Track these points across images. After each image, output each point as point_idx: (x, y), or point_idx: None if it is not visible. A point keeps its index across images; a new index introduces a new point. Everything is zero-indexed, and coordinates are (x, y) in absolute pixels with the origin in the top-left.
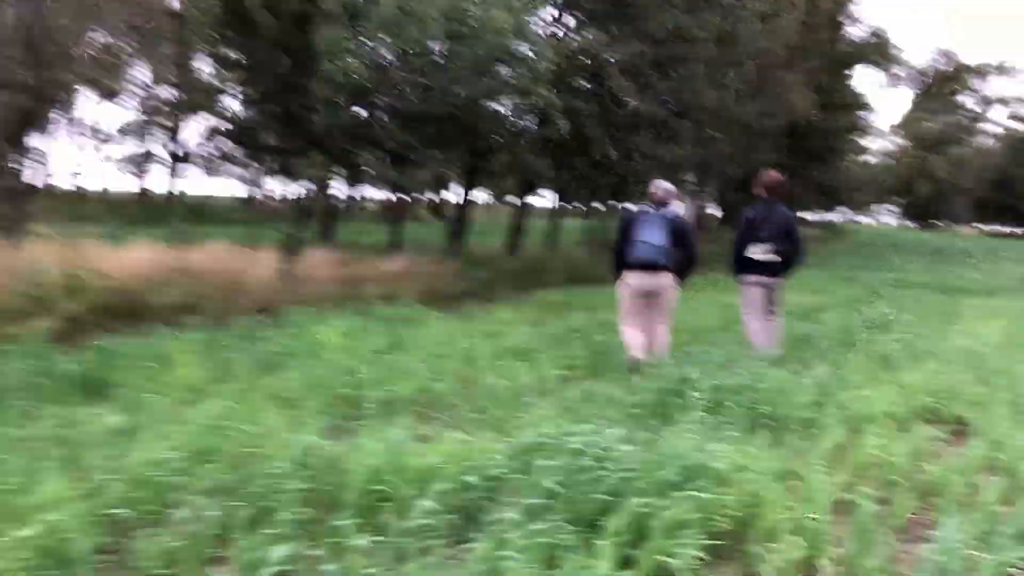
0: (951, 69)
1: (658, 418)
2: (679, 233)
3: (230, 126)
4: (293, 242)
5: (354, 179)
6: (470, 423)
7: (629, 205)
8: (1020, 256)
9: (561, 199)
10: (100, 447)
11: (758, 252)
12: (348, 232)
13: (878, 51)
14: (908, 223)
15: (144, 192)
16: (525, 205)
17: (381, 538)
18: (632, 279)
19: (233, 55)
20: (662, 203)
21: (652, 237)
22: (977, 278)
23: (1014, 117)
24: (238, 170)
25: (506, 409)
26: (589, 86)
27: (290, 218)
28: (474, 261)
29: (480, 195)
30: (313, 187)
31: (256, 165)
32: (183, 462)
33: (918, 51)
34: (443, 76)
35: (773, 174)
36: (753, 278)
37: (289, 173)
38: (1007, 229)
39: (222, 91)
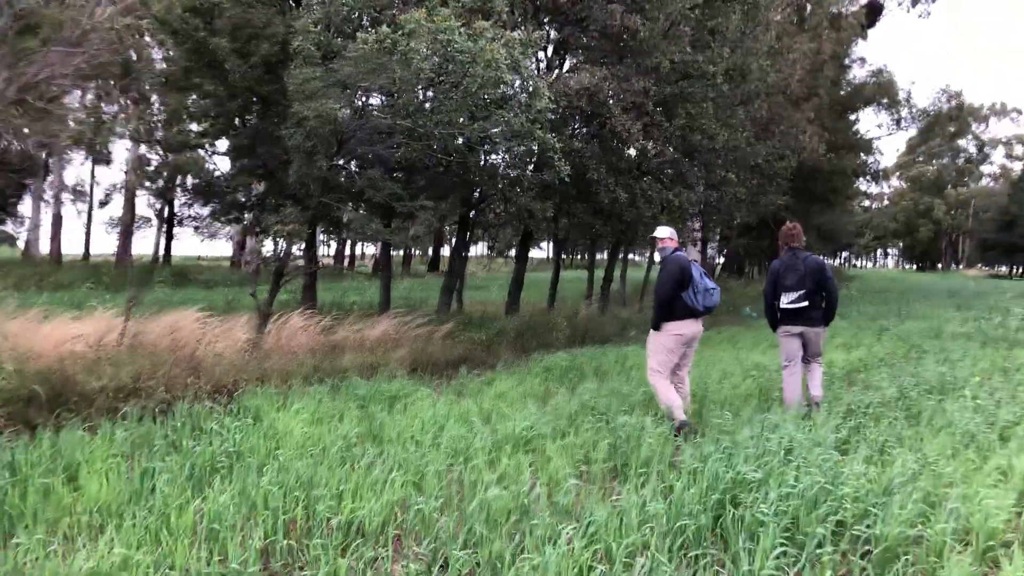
0: (954, 108)
1: (718, 549)
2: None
3: (204, 182)
4: (264, 308)
5: (338, 235)
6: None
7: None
8: None
9: (560, 249)
10: None
11: (785, 301)
12: (338, 292)
13: (882, 91)
14: (907, 265)
15: (123, 255)
16: (524, 257)
17: None
18: (688, 328)
19: (203, 105)
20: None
21: (708, 283)
22: (1015, 324)
23: (1011, 156)
24: (228, 229)
25: (506, 540)
26: (589, 128)
27: (265, 281)
28: (470, 322)
29: (477, 248)
30: (284, 246)
31: (233, 224)
32: None
33: (921, 91)
34: (431, 119)
35: (788, 225)
36: (787, 328)
37: (264, 231)
38: (1012, 269)
39: (196, 146)
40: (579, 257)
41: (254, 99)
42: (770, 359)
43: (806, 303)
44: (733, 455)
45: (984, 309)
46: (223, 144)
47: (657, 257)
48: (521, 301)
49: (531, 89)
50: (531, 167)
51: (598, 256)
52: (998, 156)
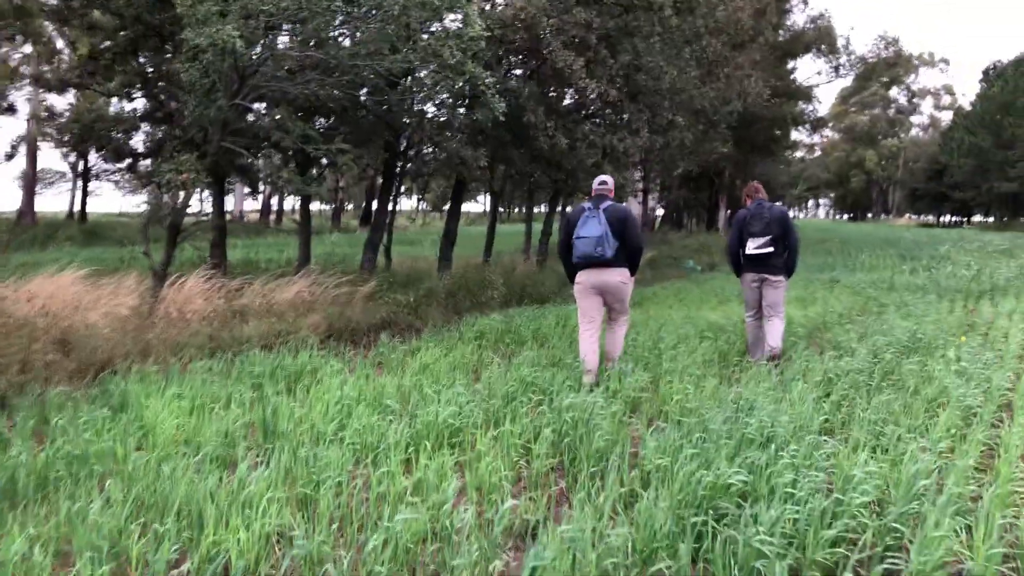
0: (892, 55)
1: None
2: (618, 225)
3: (84, 126)
4: (159, 269)
5: (251, 185)
6: None
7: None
8: (993, 247)
9: (497, 201)
10: None
11: (751, 246)
12: (255, 250)
13: (822, 37)
14: (838, 216)
15: (26, 212)
16: (456, 210)
17: None
18: (583, 278)
19: (90, 40)
20: (600, 198)
21: (591, 232)
22: (966, 275)
23: (939, 107)
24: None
25: None
26: (526, 65)
27: (165, 237)
28: (395, 281)
29: (411, 201)
30: (183, 198)
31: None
32: None
33: (859, 38)
34: (345, 51)
35: (753, 183)
36: (751, 275)
37: (156, 181)
38: (940, 219)
39: (81, 85)
40: (518, 211)
41: (145, 31)
42: (724, 317)
43: (771, 249)
44: (706, 446)
45: (928, 259)
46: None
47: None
48: (455, 257)
49: (463, 15)
50: (462, 109)
51: (537, 209)
52: (927, 107)
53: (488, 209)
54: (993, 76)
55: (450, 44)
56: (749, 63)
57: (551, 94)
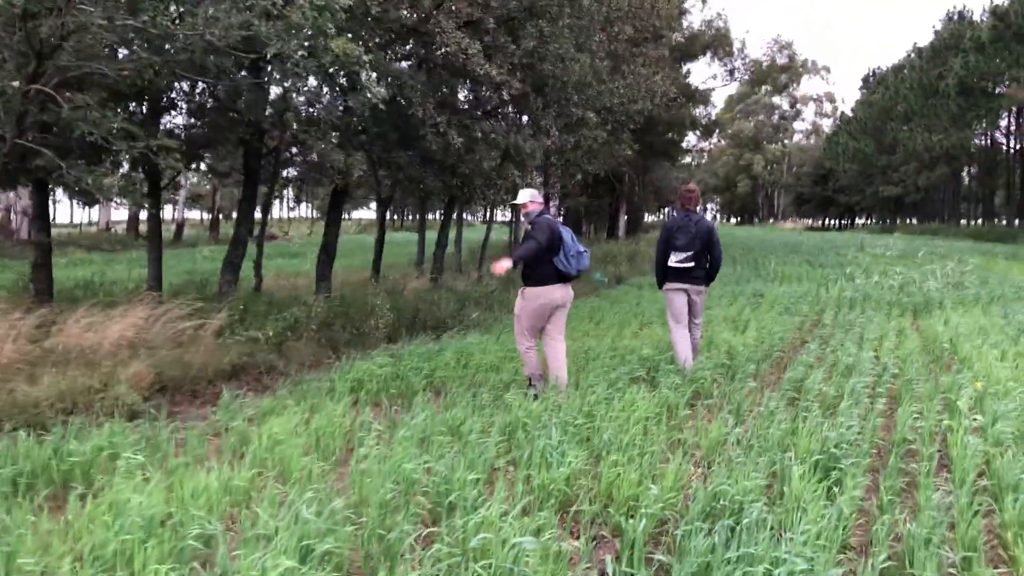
0: (786, 60)
1: None
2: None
3: None
4: None
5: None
6: None
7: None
8: (896, 250)
9: (385, 209)
10: None
11: (674, 259)
12: (100, 269)
13: (719, 40)
14: (726, 219)
15: None
16: (335, 221)
17: None
18: (557, 293)
19: None
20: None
21: (579, 246)
22: (893, 284)
23: (821, 113)
24: None
25: None
26: (412, 50)
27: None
28: (253, 310)
29: (301, 208)
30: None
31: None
32: None
33: (752, 42)
34: (170, 17)
35: (689, 186)
36: (674, 285)
37: None
38: (825, 222)
39: None
40: (411, 218)
41: None
42: (651, 346)
43: (692, 264)
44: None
45: (838, 266)
46: None
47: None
48: (338, 273)
49: None
50: (333, 96)
51: (431, 216)
52: (809, 113)
53: (380, 218)
54: (873, 83)
55: (302, 4)
56: (656, 59)
57: (443, 88)
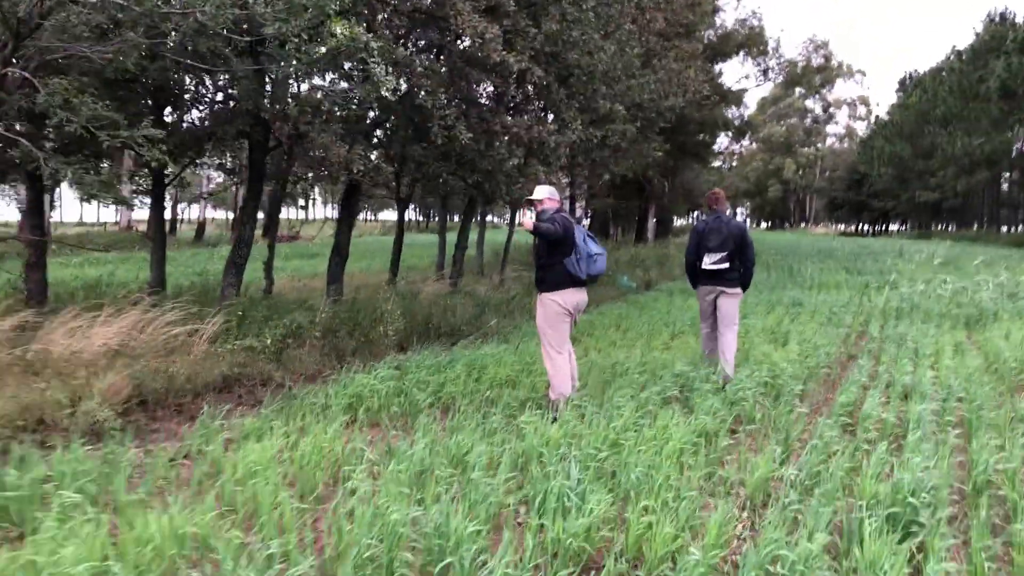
0: (822, 60)
1: None
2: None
3: None
4: None
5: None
6: None
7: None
8: (948, 255)
9: (404, 208)
10: None
11: (708, 262)
12: (119, 268)
13: (753, 39)
14: (757, 224)
15: None
16: (348, 220)
17: None
18: (571, 297)
19: None
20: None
21: (593, 248)
22: (943, 295)
23: (855, 117)
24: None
25: None
26: (432, 42)
27: None
28: (253, 314)
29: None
30: None
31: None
32: None
33: (787, 41)
34: None
35: (714, 190)
36: (706, 288)
37: None
38: (859, 227)
39: None
40: (438, 219)
41: None
42: (684, 358)
43: (727, 264)
44: None
45: (878, 273)
46: None
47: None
48: (355, 276)
49: None
50: (350, 91)
51: (455, 218)
52: (843, 117)
53: (399, 218)
54: (910, 86)
55: None
56: (689, 55)
57: (461, 81)
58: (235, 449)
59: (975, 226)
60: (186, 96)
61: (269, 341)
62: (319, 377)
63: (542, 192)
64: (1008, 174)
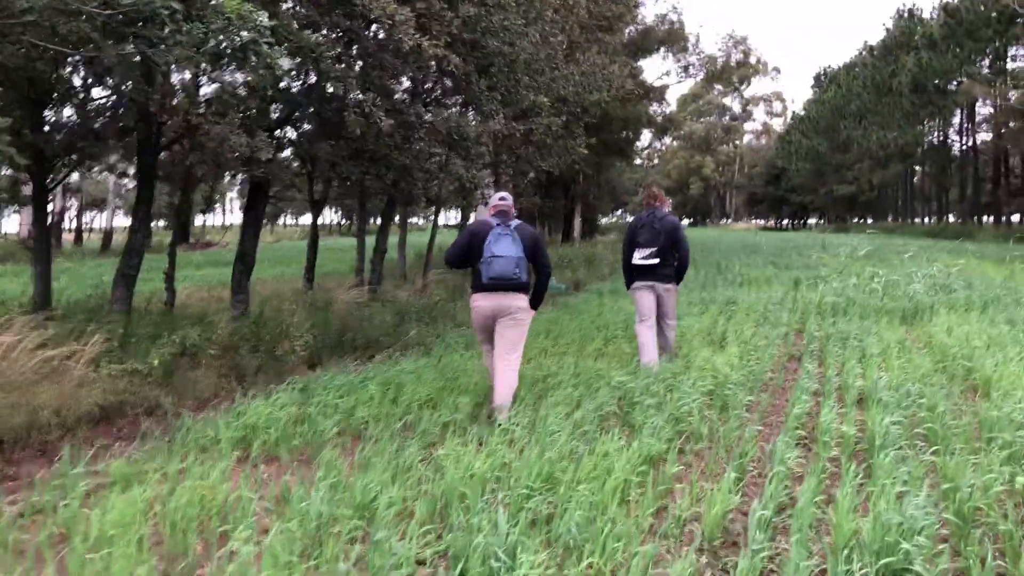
0: (741, 56)
1: None
2: (533, 247)
3: None
4: None
5: None
6: None
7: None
8: (871, 248)
9: (318, 211)
10: None
11: (637, 257)
12: (13, 281)
13: (674, 35)
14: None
15: None
16: (254, 223)
17: None
18: (480, 302)
19: None
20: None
21: (508, 251)
22: (875, 288)
23: (771, 113)
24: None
25: None
26: (331, 18)
27: None
28: (140, 331)
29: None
30: None
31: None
32: None
33: (706, 36)
34: None
35: (653, 189)
36: (639, 283)
37: None
38: (779, 222)
39: None
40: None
41: None
42: (621, 366)
43: (657, 260)
44: None
45: (805, 267)
46: None
47: None
48: (268, 284)
49: None
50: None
51: (376, 220)
52: (760, 113)
53: (320, 222)
54: (825, 81)
55: None
56: (611, 49)
57: (375, 71)
58: (102, 500)
59: (890, 218)
60: (60, 89)
61: (156, 362)
62: (214, 402)
63: (492, 200)
64: (922, 167)
